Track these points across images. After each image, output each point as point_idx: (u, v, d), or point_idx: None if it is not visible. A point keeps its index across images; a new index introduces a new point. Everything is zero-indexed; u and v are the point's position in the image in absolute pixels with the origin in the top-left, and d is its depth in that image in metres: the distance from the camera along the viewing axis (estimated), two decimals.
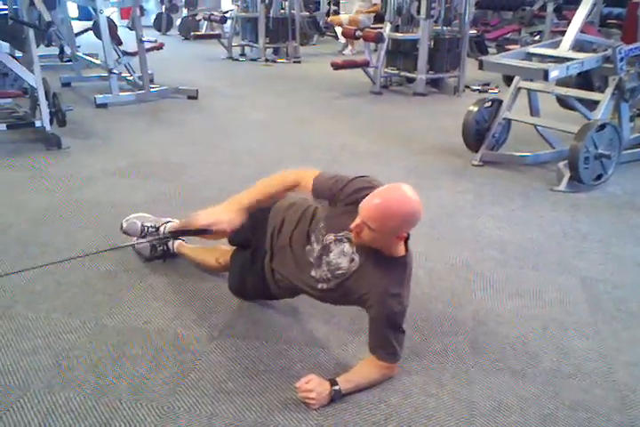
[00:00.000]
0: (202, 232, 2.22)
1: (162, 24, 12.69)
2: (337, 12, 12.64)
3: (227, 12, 11.03)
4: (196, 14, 12.32)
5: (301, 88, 7.62)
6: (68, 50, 7.03)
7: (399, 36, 7.29)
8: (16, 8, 5.71)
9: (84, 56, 7.09)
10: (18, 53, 5.26)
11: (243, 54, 10.15)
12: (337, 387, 2.00)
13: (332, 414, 1.96)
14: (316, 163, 4.56)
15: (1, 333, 2.33)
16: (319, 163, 4.56)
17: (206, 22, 11.63)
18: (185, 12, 12.52)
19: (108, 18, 6.51)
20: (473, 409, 2.00)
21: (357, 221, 1.95)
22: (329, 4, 13.23)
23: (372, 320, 2.09)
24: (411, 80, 7.53)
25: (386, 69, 7.50)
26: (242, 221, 2.19)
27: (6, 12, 5.51)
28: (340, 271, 2.11)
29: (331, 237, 2.15)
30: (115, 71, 6.21)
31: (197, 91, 6.71)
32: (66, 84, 7.06)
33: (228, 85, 7.69)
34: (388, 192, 1.95)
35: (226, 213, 2.18)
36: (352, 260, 2.09)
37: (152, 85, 6.68)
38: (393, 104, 6.91)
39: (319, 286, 2.17)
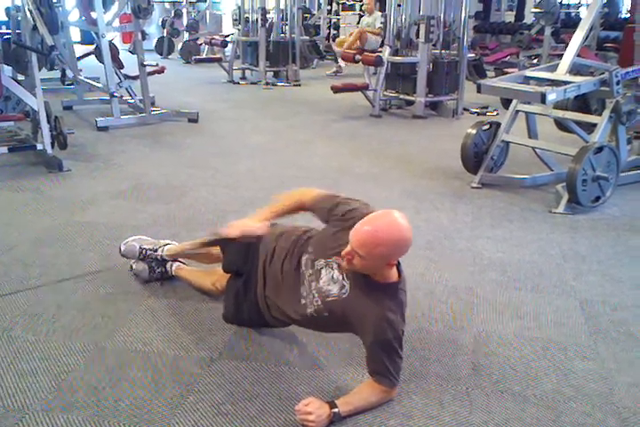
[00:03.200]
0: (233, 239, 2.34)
1: (163, 48, 12.83)
2: (336, 36, 12.81)
3: (227, 35, 11.17)
4: (197, 38, 12.46)
5: (301, 111, 7.68)
6: (69, 73, 7.13)
7: (398, 59, 7.38)
8: (19, 32, 5.78)
9: (86, 80, 7.16)
10: (20, 77, 5.31)
11: (243, 78, 10.24)
12: (336, 409, 2.00)
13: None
14: (316, 185, 4.57)
15: (0, 355, 2.32)
16: (318, 185, 4.56)
17: (207, 46, 11.76)
18: (186, 36, 12.66)
19: (110, 42, 6.59)
20: None
21: (348, 248, 1.96)
22: (329, 28, 13.39)
23: (366, 347, 2.09)
24: (410, 103, 7.60)
25: (385, 92, 7.57)
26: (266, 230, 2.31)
27: (9, 36, 5.56)
28: (330, 299, 2.12)
29: (321, 262, 2.17)
30: (116, 94, 6.26)
31: (198, 114, 6.77)
32: (67, 108, 7.12)
33: (228, 108, 7.75)
34: (377, 219, 1.97)
35: (255, 222, 2.30)
36: (342, 287, 2.11)
37: (153, 109, 6.74)
38: (392, 127, 6.96)
39: (308, 312, 2.18)
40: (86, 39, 7.74)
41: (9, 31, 6.04)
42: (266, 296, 2.35)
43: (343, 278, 2.11)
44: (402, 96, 7.53)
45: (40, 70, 4.80)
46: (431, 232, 3.69)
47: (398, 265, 2.12)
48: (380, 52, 7.93)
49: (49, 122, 4.79)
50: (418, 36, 7.13)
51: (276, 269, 2.32)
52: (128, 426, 1.97)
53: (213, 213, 3.86)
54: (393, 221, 1.95)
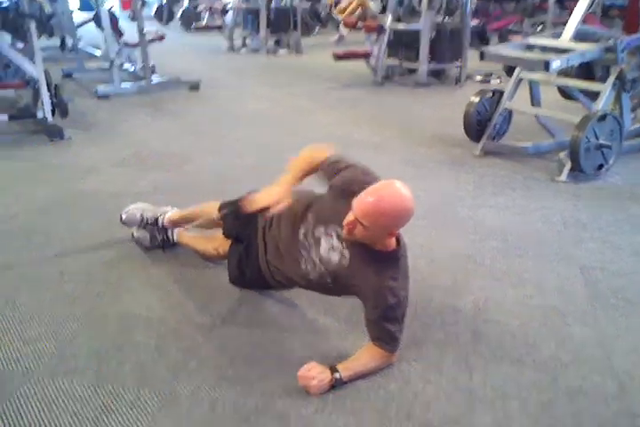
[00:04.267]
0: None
1: (163, 15, 12.67)
2: (337, 3, 12.61)
3: (228, 3, 11.01)
4: (197, 5, 12.30)
5: (302, 79, 7.61)
6: (69, 41, 7.07)
7: (400, 26, 7.28)
8: (17, 0, 5.70)
9: (86, 47, 7.09)
10: (20, 45, 5.25)
11: (244, 45, 10.13)
12: (338, 374, 2.02)
13: (331, 400, 1.98)
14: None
15: (5, 321, 2.35)
16: None
17: (207, 13, 11.61)
18: (186, 3, 12.49)
19: (109, 9, 6.51)
20: (472, 397, 2.02)
21: (350, 217, 1.97)
22: None
23: (368, 313, 2.11)
24: (412, 71, 7.51)
25: (387, 60, 7.48)
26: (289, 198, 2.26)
27: (8, 4, 5.49)
28: (331, 267, 2.14)
29: (321, 230, 2.18)
30: (116, 62, 6.20)
31: (199, 82, 6.71)
32: (67, 76, 7.06)
33: (229, 76, 7.69)
34: (381, 190, 1.98)
35: (280, 193, 2.22)
36: (342, 255, 2.12)
37: (153, 76, 6.68)
38: (394, 95, 6.91)
39: (312, 277, 2.20)
40: (85, 6, 7.65)
41: None
42: (267, 261, 2.36)
43: (343, 247, 2.13)
44: (404, 64, 7.43)
45: (39, 38, 4.74)
46: (433, 200, 3.68)
47: (398, 233, 2.12)
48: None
49: (49, 90, 4.75)
50: (420, 3, 7.02)
51: (274, 235, 2.33)
52: (131, 390, 1.99)
53: (215, 181, 3.86)
54: (396, 192, 1.96)
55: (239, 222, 2.45)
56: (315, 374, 2.00)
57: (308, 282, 2.24)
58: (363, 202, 1.95)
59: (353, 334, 2.32)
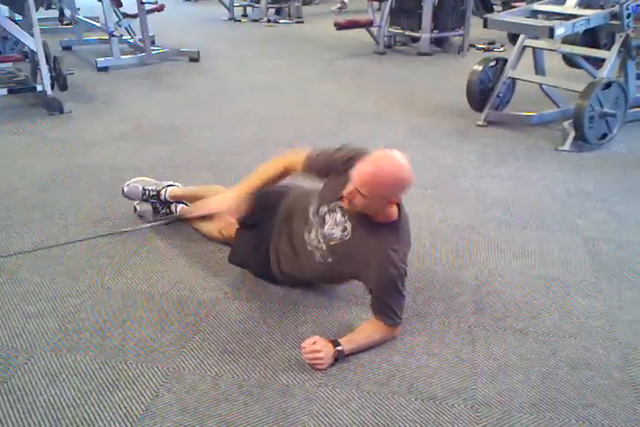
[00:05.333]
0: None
1: None
2: None
3: None
4: None
5: (304, 49, 7.52)
6: (67, 13, 6.97)
7: None
8: None
9: (85, 19, 6.99)
10: (17, 17, 5.18)
11: (244, 15, 9.99)
12: (340, 347, 2.02)
13: (334, 373, 1.98)
14: (319, 124, 4.53)
15: (7, 297, 2.35)
16: (322, 124, 4.53)
17: None
18: None
19: None
20: (475, 368, 2.02)
21: (350, 188, 1.98)
22: None
23: (369, 286, 2.11)
24: (415, 39, 7.42)
25: (390, 29, 7.38)
26: (246, 209, 2.31)
27: None
28: (333, 242, 2.14)
29: (325, 208, 2.19)
30: (115, 34, 6.12)
31: (199, 52, 6.64)
32: (66, 48, 6.99)
33: (229, 47, 7.59)
34: (379, 159, 1.99)
35: (234, 201, 2.29)
36: (344, 229, 2.13)
37: (153, 48, 6.60)
38: (397, 64, 6.82)
39: (316, 259, 2.20)
40: None
41: None
42: (278, 249, 2.36)
43: (345, 220, 2.13)
44: (407, 32, 7.34)
45: (37, 10, 4.66)
46: (435, 171, 3.66)
47: (399, 204, 2.11)
48: None
49: (48, 63, 4.69)
50: None
51: (291, 229, 2.33)
52: (134, 365, 2.00)
53: (215, 154, 3.83)
54: (394, 161, 1.97)
55: (258, 211, 2.42)
56: (319, 347, 2.00)
57: (312, 267, 2.23)
58: (361, 171, 1.96)
59: (356, 308, 2.33)
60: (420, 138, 4.27)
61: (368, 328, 2.13)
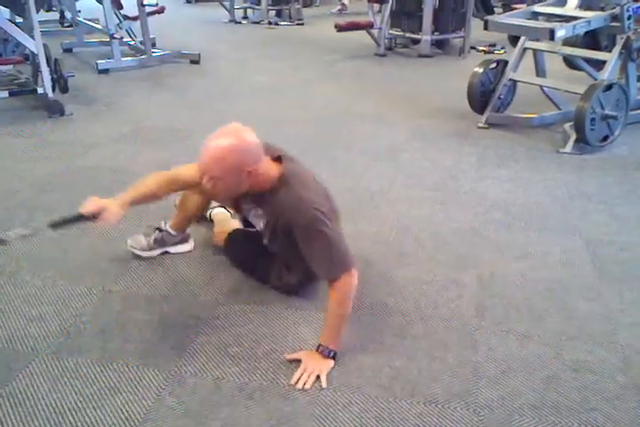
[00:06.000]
0: (87, 218, 2.08)
1: None
2: None
3: None
4: None
5: (305, 51, 7.52)
6: (68, 15, 6.97)
7: None
8: None
9: (85, 21, 6.99)
10: (18, 19, 5.18)
11: (245, 17, 10.00)
12: (326, 349, 2.01)
13: (336, 376, 1.98)
14: (321, 125, 4.53)
15: (8, 299, 2.35)
16: (323, 125, 4.53)
17: None
18: None
19: None
20: (477, 371, 2.02)
21: (198, 175, 1.99)
22: None
23: (304, 247, 2.03)
24: (415, 42, 7.42)
25: (390, 31, 7.38)
26: (122, 215, 2.10)
27: None
28: (265, 227, 2.20)
29: (251, 213, 2.28)
30: (116, 36, 6.12)
31: (200, 55, 6.64)
32: (67, 50, 6.98)
33: (230, 49, 7.60)
34: (214, 137, 1.96)
35: (113, 205, 2.07)
36: (261, 216, 2.19)
37: (154, 50, 6.60)
38: (397, 66, 6.82)
39: (265, 242, 2.26)
40: None
41: None
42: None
43: (255, 208, 2.22)
44: (407, 34, 7.34)
45: (38, 12, 4.66)
46: (436, 173, 3.66)
47: (278, 159, 2.12)
48: None
49: (49, 65, 4.69)
50: None
51: None
52: (136, 368, 2.00)
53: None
54: (223, 132, 1.96)
55: None
56: (309, 370, 1.97)
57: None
58: (201, 154, 1.96)
59: (356, 311, 2.32)
60: (420, 140, 4.27)
61: (330, 309, 2.04)
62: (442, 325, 2.26)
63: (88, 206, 2.05)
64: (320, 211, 2.00)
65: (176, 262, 2.64)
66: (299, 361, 2.02)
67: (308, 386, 1.93)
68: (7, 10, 5.41)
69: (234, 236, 2.57)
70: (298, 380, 1.95)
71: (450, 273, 2.60)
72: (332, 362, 2.02)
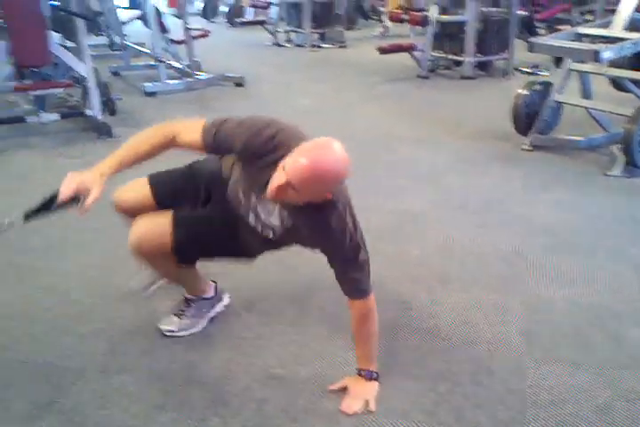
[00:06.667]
0: (67, 204, 1.81)
1: (208, 11, 12.74)
2: None
3: None
4: (241, 1, 12.33)
5: (347, 73, 7.58)
6: (117, 39, 7.15)
7: (446, 18, 7.17)
8: None
9: (132, 45, 7.17)
10: (68, 43, 5.33)
11: (288, 40, 10.12)
12: (368, 372, 2.00)
13: (380, 401, 1.96)
14: (362, 147, 4.54)
15: (60, 318, 2.39)
16: (365, 147, 4.54)
17: (250, 8, 11.64)
18: None
19: (155, 6, 6.58)
20: (525, 399, 1.98)
21: (282, 180, 1.71)
22: None
23: (333, 266, 1.94)
24: (458, 63, 7.41)
25: (432, 53, 7.40)
26: (102, 188, 1.83)
27: (57, 2, 5.58)
28: (277, 230, 1.99)
29: (253, 198, 1.99)
30: (162, 60, 6.26)
31: (244, 78, 6.73)
32: (115, 73, 7.15)
33: (274, 72, 7.70)
34: (316, 151, 1.76)
35: (91, 179, 1.83)
36: (282, 219, 1.96)
37: (199, 73, 6.72)
38: (440, 88, 6.82)
39: (270, 236, 2.04)
40: (134, 3, 7.73)
41: None
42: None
43: (279, 209, 1.94)
44: (450, 56, 7.34)
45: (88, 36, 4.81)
46: (481, 196, 3.63)
47: None
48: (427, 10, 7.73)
49: (98, 88, 4.82)
50: None
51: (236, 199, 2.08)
52: (181, 388, 2.01)
53: None
54: (334, 154, 1.75)
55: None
56: (359, 398, 1.96)
57: (268, 240, 2.07)
58: (298, 165, 1.70)
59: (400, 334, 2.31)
60: (464, 162, 4.25)
61: (357, 332, 2.00)
62: (487, 350, 2.23)
63: (65, 190, 1.79)
64: (359, 237, 1.92)
65: (220, 283, 2.65)
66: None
67: (358, 412, 1.92)
68: (58, 35, 5.59)
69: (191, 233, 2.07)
70: (347, 406, 1.94)
71: (494, 297, 2.57)
72: (376, 384, 2.01)
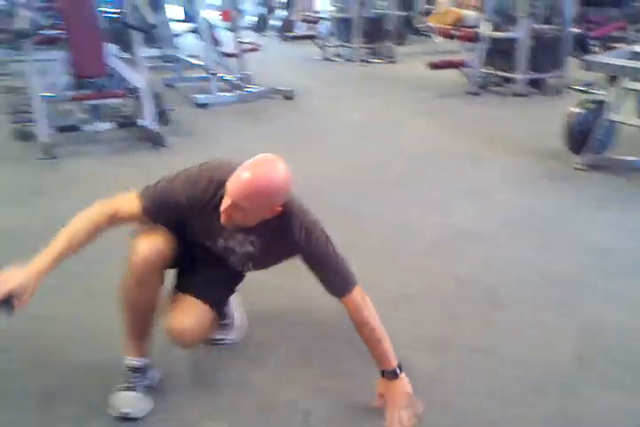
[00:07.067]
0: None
1: (260, 25, 12.93)
2: (430, 12, 12.50)
3: (321, 13, 11.12)
4: (292, 15, 12.49)
5: (397, 88, 7.59)
6: (170, 51, 7.31)
7: (497, 34, 7.13)
8: (121, 11, 5.92)
9: (185, 57, 7.31)
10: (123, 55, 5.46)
11: (338, 55, 10.19)
12: (391, 371, 1.93)
13: (428, 420, 1.92)
14: (408, 162, 4.54)
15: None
16: (411, 162, 4.54)
17: (301, 23, 11.77)
18: (282, 13, 12.70)
19: (208, 20, 6.71)
20: (580, 424, 1.93)
21: (227, 202, 1.73)
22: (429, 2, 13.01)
23: (320, 268, 1.91)
24: (509, 80, 7.35)
25: (483, 69, 7.35)
26: (36, 287, 1.71)
27: (114, 15, 5.73)
28: (254, 255, 1.97)
29: (221, 240, 1.96)
30: (214, 72, 6.37)
31: (293, 91, 6.80)
32: (168, 85, 7.29)
33: (323, 86, 7.75)
34: (253, 169, 1.73)
35: (22, 276, 1.69)
36: (252, 243, 1.94)
37: (250, 86, 6.81)
38: (490, 105, 6.77)
39: (249, 264, 2.03)
40: (188, 17, 7.90)
41: (114, 10, 6.20)
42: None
43: (245, 236, 1.92)
44: (501, 73, 7.29)
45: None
46: (533, 216, 3.58)
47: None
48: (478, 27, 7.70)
49: (152, 99, 4.92)
50: (518, 10, 6.87)
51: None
52: (230, 396, 2.03)
53: (298, 189, 3.86)
54: (272, 167, 1.75)
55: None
56: (406, 410, 1.91)
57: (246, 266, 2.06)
58: (238, 183, 1.71)
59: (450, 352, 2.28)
60: (514, 180, 4.20)
61: (360, 330, 1.94)
62: (540, 372, 2.18)
63: None
64: (324, 234, 1.92)
65: (266, 295, 2.67)
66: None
67: (408, 423, 1.89)
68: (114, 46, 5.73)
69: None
70: (393, 421, 1.90)
71: (545, 318, 2.52)
72: (404, 378, 1.94)
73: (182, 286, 2.07)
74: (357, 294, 1.92)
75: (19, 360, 2.24)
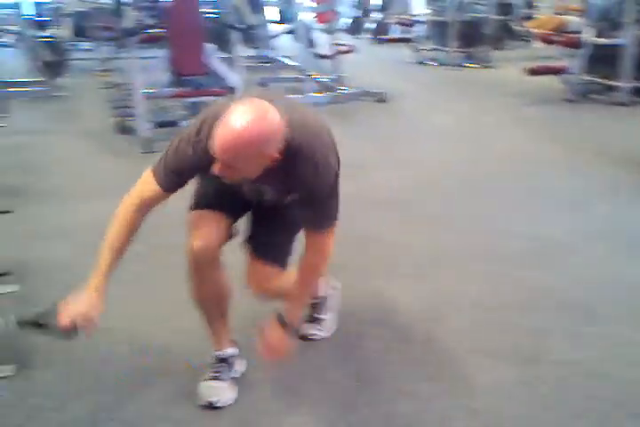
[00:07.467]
0: (67, 334, 1.72)
1: (355, 28, 12.98)
2: (530, 16, 12.21)
3: (416, 16, 11.05)
4: (387, 18, 12.48)
5: (491, 93, 7.45)
6: (267, 52, 7.44)
7: (601, 41, 6.88)
8: (221, 12, 6.06)
9: (281, 58, 7.41)
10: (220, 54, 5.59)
11: (433, 59, 10.09)
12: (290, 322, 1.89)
13: None
14: (502, 169, 4.44)
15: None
16: (505, 170, 4.44)
17: (395, 26, 11.74)
18: (377, 15, 12.70)
19: (304, 22, 6.78)
20: None
21: (217, 165, 1.63)
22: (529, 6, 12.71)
23: (314, 204, 1.85)
24: (611, 88, 7.08)
25: (584, 76, 7.11)
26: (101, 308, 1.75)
27: (215, 15, 5.88)
28: (277, 193, 1.91)
29: (245, 187, 1.93)
30: (308, 73, 6.43)
31: (386, 94, 6.78)
32: (263, 84, 7.39)
33: (416, 89, 7.70)
34: (232, 119, 1.58)
35: (88, 305, 1.73)
36: (269, 187, 1.89)
37: (342, 87, 6.84)
38: (590, 113, 6.52)
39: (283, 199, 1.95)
40: (285, 18, 8.03)
41: (212, 10, 6.36)
42: None
43: (260, 185, 1.87)
44: (603, 81, 7.03)
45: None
46: (631, 227, 3.42)
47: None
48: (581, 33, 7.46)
49: None
50: (625, 16, 6.61)
51: None
52: (314, 396, 2.04)
53: (386, 193, 3.90)
54: (251, 119, 1.58)
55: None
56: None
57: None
58: (218, 142, 1.58)
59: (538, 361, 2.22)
60: (611, 191, 4.02)
61: (301, 265, 1.89)
62: (629, 391, 2.09)
63: (64, 321, 1.69)
64: (337, 173, 1.89)
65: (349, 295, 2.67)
66: None
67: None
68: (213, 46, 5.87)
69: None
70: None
71: (626, 332, 2.41)
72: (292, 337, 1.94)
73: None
74: (325, 236, 1.87)
75: (124, 343, 2.33)
